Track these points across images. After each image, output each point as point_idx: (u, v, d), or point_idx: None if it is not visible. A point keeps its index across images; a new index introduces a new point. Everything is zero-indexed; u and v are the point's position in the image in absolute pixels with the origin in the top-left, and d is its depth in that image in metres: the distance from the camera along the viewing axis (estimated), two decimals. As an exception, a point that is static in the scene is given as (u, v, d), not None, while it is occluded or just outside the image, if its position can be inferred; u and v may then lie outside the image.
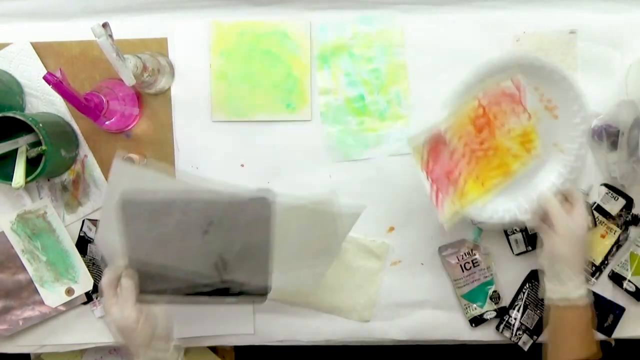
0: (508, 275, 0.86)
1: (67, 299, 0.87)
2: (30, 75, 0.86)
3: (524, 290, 0.86)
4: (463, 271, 0.85)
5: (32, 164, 0.79)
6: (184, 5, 0.85)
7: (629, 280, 0.82)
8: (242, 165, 0.87)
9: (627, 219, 0.84)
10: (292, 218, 0.68)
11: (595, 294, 0.85)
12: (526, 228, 0.83)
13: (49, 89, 0.76)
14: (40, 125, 0.77)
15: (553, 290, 0.71)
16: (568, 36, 0.83)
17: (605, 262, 0.85)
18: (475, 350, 0.91)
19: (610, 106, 0.82)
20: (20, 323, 0.88)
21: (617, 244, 0.85)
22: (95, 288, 0.87)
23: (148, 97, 0.86)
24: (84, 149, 0.87)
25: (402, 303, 0.87)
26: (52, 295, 0.87)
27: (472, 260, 0.85)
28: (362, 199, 0.85)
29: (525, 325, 0.85)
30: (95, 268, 0.88)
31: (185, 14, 0.85)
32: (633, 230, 0.85)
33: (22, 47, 0.85)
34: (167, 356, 0.68)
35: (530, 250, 0.84)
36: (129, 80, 0.71)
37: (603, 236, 0.85)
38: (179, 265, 0.66)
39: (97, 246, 0.65)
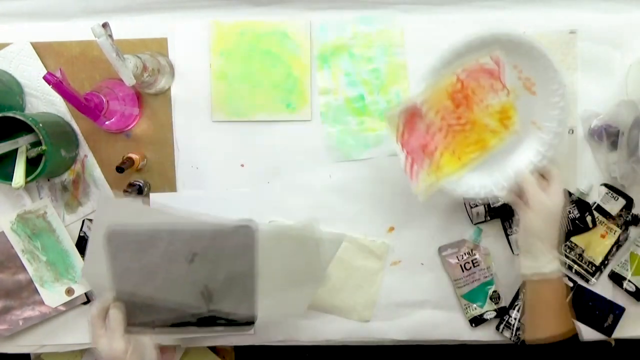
0: (508, 275, 0.86)
1: (67, 299, 0.87)
2: (30, 75, 0.86)
3: (524, 290, 0.85)
4: (463, 271, 0.85)
5: (32, 164, 0.79)
6: (184, 5, 0.85)
7: (629, 280, 0.82)
8: (242, 165, 0.87)
9: (627, 219, 0.84)
10: (275, 245, 0.70)
11: (595, 294, 0.86)
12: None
13: (49, 89, 0.76)
14: (40, 125, 0.77)
15: (527, 266, 0.72)
16: (568, 36, 0.83)
17: (605, 262, 0.85)
18: (475, 350, 0.91)
19: (610, 106, 0.82)
20: (20, 323, 0.88)
21: (617, 244, 0.85)
22: (95, 288, 0.88)
23: (148, 97, 0.86)
24: (84, 149, 0.87)
25: (402, 303, 0.87)
26: (52, 295, 0.87)
27: (472, 260, 0.85)
28: (362, 199, 0.86)
29: (525, 325, 0.85)
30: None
31: (185, 14, 0.85)
32: (633, 230, 0.85)
33: (22, 47, 0.85)
34: None
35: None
36: (129, 80, 0.71)
37: (603, 236, 0.85)
38: (166, 296, 0.67)
39: (84, 280, 0.66)
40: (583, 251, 0.85)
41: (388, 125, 0.72)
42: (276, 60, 0.85)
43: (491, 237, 0.86)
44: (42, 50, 0.86)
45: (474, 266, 0.85)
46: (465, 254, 0.85)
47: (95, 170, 0.87)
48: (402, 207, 0.86)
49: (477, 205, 0.84)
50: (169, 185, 0.87)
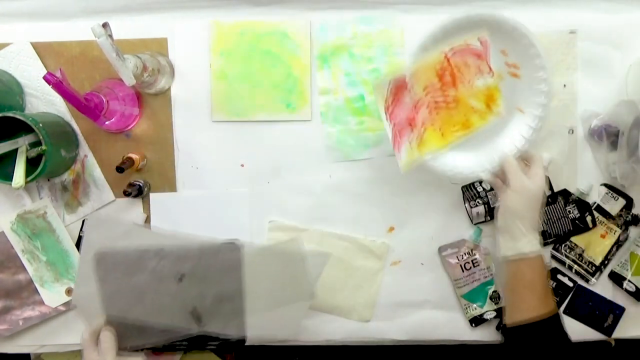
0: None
1: (67, 299, 0.87)
2: (30, 75, 0.86)
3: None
4: (463, 271, 0.85)
5: (32, 164, 0.79)
6: (184, 5, 0.85)
7: (629, 280, 0.82)
8: (242, 165, 0.87)
9: (627, 219, 0.84)
10: (261, 263, 0.71)
11: (595, 294, 0.86)
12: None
13: (49, 89, 0.76)
14: (40, 125, 0.77)
15: (507, 247, 0.72)
16: (568, 36, 0.83)
17: (605, 262, 0.85)
18: (475, 350, 0.91)
19: (610, 106, 0.82)
20: (20, 323, 0.88)
21: (617, 244, 0.85)
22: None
23: (148, 97, 0.86)
24: (84, 149, 0.87)
25: (402, 303, 0.87)
26: (52, 295, 0.87)
27: (472, 260, 0.85)
28: (362, 199, 0.86)
29: (525, 325, 0.85)
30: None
31: (185, 14, 0.85)
32: (633, 230, 0.85)
33: (22, 47, 0.85)
34: None
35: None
36: (129, 80, 0.71)
37: (603, 236, 0.85)
38: (157, 316, 0.68)
39: (75, 305, 0.66)
40: (583, 251, 0.85)
41: (375, 93, 0.73)
42: (276, 60, 0.85)
43: (491, 237, 0.86)
44: (42, 50, 0.86)
45: (474, 266, 0.85)
46: (465, 254, 0.85)
47: (95, 170, 0.87)
48: (402, 207, 0.86)
49: (477, 205, 0.84)
50: (169, 185, 0.87)
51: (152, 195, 0.87)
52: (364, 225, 0.87)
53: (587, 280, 0.85)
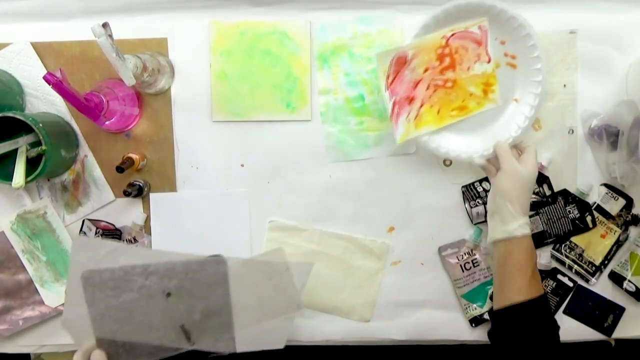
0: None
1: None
2: (30, 75, 0.86)
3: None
4: (463, 271, 0.85)
5: (32, 164, 0.79)
6: (184, 5, 0.85)
7: (629, 280, 0.82)
8: (242, 165, 0.87)
9: (627, 219, 0.84)
10: (246, 276, 0.71)
11: (595, 294, 0.86)
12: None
13: (49, 89, 0.76)
14: (40, 125, 0.77)
15: (497, 230, 0.73)
16: (568, 36, 0.83)
17: (605, 262, 0.85)
18: (475, 350, 0.91)
19: (610, 106, 0.82)
20: (20, 323, 0.88)
21: (617, 244, 0.85)
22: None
23: (148, 97, 0.86)
24: (84, 149, 0.87)
25: (402, 303, 0.87)
26: (52, 295, 0.87)
27: (472, 260, 0.85)
28: (362, 199, 0.86)
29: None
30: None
31: (185, 14, 0.85)
32: (633, 230, 0.85)
33: (22, 47, 0.85)
34: None
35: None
36: (129, 80, 0.71)
37: (603, 236, 0.85)
38: (147, 335, 0.68)
39: (64, 327, 0.67)
40: (583, 251, 0.85)
41: (377, 66, 0.77)
42: (276, 60, 0.85)
43: (491, 237, 0.86)
44: (42, 50, 0.86)
45: (474, 266, 0.85)
46: (465, 254, 0.85)
47: (95, 170, 0.87)
48: (402, 207, 0.86)
49: (477, 205, 0.84)
50: (169, 185, 0.87)
51: (152, 195, 0.87)
52: (364, 225, 0.87)
53: (587, 280, 0.85)
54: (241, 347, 0.70)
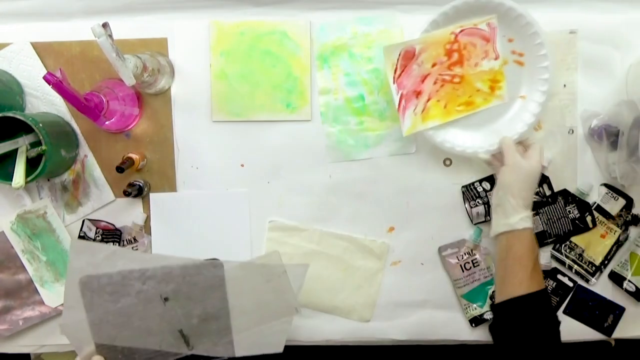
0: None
1: (67, 298, 0.87)
2: (30, 75, 0.86)
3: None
4: (463, 271, 0.85)
5: (32, 164, 0.79)
6: (184, 5, 0.85)
7: (629, 280, 0.82)
8: (242, 165, 0.87)
9: (627, 219, 0.84)
10: (243, 279, 0.71)
11: (595, 294, 0.86)
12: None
13: (49, 89, 0.76)
14: (40, 125, 0.77)
15: (499, 223, 0.74)
16: (568, 36, 0.83)
17: (605, 262, 0.85)
18: (475, 350, 0.91)
19: (610, 106, 0.82)
20: (20, 323, 0.88)
21: (617, 244, 0.85)
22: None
23: (148, 97, 0.86)
24: (84, 149, 0.87)
25: (402, 303, 0.87)
26: (52, 295, 0.87)
27: (472, 260, 0.85)
28: (362, 199, 0.86)
29: (525, 325, 0.85)
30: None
31: (185, 14, 0.85)
32: (633, 230, 0.85)
33: (22, 47, 0.85)
34: None
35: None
36: (129, 80, 0.71)
37: (603, 236, 0.85)
38: (145, 340, 0.68)
39: (63, 332, 0.67)
40: (583, 251, 0.85)
41: (385, 59, 0.78)
42: (276, 60, 0.85)
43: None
44: (42, 50, 0.86)
45: (474, 266, 0.85)
46: (465, 254, 0.85)
47: (95, 170, 0.87)
48: (402, 207, 0.86)
49: (477, 205, 0.84)
50: (169, 185, 0.87)
51: (152, 195, 0.87)
52: (364, 225, 0.87)
53: (587, 280, 0.85)
54: (240, 351, 0.70)
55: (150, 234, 0.87)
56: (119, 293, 0.66)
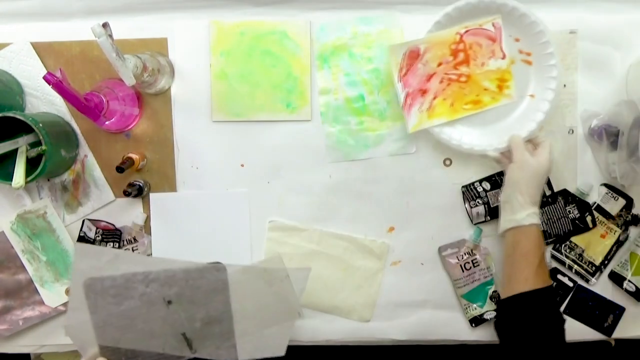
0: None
1: (67, 299, 0.87)
2: (30, 75, 0.86)
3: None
4: (463, 271, 0.85)
5: (32, 164, 0.79)
6: (184, 5, 0.85)
7: (629, 280, 0.82)
8: (242, 165, 0.87)
9: (627, 219, 0.84)
10: (246, 283, 0.71)
11: (595, 294, 0.86)
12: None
13: (49, 89, 0.76)
14: (40, 125, 0.77)
15: (506, 219, 0.75)
16: (568, 36, 0.83)
17: (605, 262, 0.85)
18: (475, 350, 0.91)
19: (610, 106, 0.82)
20: (20, 323, 0.88)
21: (617, 244, 0.85)
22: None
23: (148, 97, 0.86)
24: (84, 149, 0.87)
25: (402, 303, 0.87)
26: (52, 295, 0.87)
27: (472, 260, 0.85)
28: (362, 199, 0.86)
29: (525, 325, 0.85)
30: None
31: (185, 14, 0.85)
32: (633, 230, 0.85)
33: (22, 47, 0.85)
34: None
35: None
36: (129, 80, 0.71)
37: (603, 236, 0.85)
38: (148, 343, 0.68)
39: (67, 334, 0.67)
40: (583, 251, 0.85)
41: (390, 58, 0.79)
42: (276, 60, 0.85)
43: (491, 237, 0.86)
44: (42, 50, 0.86)
45: (474, 266, 0.85)
46: (465, 254, 0.85)
47: (95, 170, 0.87)
48: (402, 207, 0.86)
49: (477, 205, 0.84)
50: (169, 185, 0.87)
51: (152, 195, 0.87)
52: (364, 225, 0.87)
53: (587, 280, 0.85)
54: (243, 354, 0.70)
55: (150, 234, 0.87)
56: (123, 296, 0.66)
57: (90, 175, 0.87)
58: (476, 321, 0.85)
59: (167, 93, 0.86)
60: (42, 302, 0.88)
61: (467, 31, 0.79)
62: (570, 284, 0.85)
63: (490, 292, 0.85)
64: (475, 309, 0.85)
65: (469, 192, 0.85)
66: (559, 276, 0.86)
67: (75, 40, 0.85)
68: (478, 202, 0.84)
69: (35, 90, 0.86)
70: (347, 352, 0.93)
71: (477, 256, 0.85)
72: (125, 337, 0.67)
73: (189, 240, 0.87)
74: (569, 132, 0.84)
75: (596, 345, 0.89)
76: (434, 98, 0.81)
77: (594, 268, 0.85)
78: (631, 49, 0.83)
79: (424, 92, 0.80)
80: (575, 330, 0.86)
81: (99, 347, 0.67)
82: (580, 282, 0.86)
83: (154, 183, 0.87)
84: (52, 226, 0.87)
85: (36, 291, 0.88)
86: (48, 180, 0.88)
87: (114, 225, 0.88)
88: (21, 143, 0.79)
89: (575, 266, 0.85)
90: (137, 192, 0.84)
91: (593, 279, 0.85)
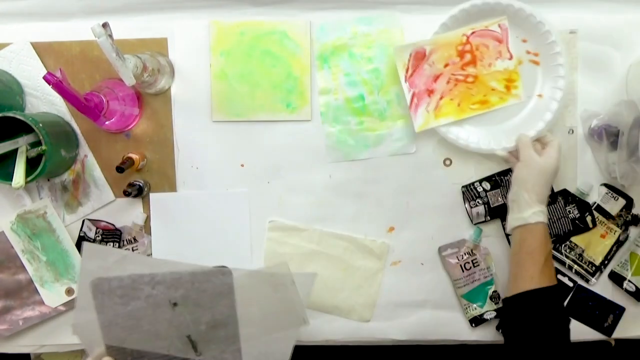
0: (508, 275, 0.86)
1: (67, 299, 0.87)
2: (30, 75, 0.86)
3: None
4: (463, 271, 0.85)
5: (32, 164, 0.79)
6: (184, 5, 0.85)
7: (629, 280, 0.82)
8: (242, 165, 0.87)
9: (627, 219, 0.84)
10: (251, 288, 0.71)
11: (595, 294, 0.86)
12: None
13: (49, 89, 0.76)
14: (40, 125, 0.77)
15: (513, 217, 0.75)
16: (568, 36, 0.83)
17: (605, 262, 0.85)
18: (475, 350, 0.91)
19: (610, 106, 0.82)
20: (20, 323, 0.88)
21: (617, 244, 0.85)
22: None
23: (148, 97, 0.86)
24: (84, 149, 0.87)
25: (402, 303, 0.87)
26: (52, 295, 0.87)
27: (472, 260, 0.85)
28: (362, 199, 0.86)
29: (525, 325, 0.85)
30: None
31: (185, 14, 0.85)
32: (633, 230, 0.85)
33: (22, 47, 0.85)
34: None
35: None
36: (129, 80, 0.71)
37: (603, 236, 0.85)
38: (154, 344, 0.68)
39: (74, 333, 0.68)
40: (583, 251, 0.85)
41: (396, 59, 0.81)
42: (276, 60, 0.85)
43: (491, 237, 0.86)
44: (42, 50, 0.86)
45: (474, 266, 0.85)
46: (465, 254, 0.85)
47: (95, 170, 0.87)
48: (402, 207, 0.86)
49: (477, 205, 0.84)
50: (169, 185, 0.87)
51: (152, 195, 0.87)
52: (364, 225, 0.87)
53: (587, 280, 0.85)
54: (247, 359, 0.70)
55: (150, 234, 0.87)
56: (129, 296, 0.66)
57: (90, 175, 0.87)
58: (476, 321, 0.85)
59: (167, 93, 0.86)
60: (42, 302, 0.88)
61: (473, 33, 0.80)
62: (570, 284, 0.86)
63: (490, 292, 0.85)
64: (475, 309, 0.85)
65: (469, 192, 0.85)
66: (559, 276, 0.86)
67: (75, 40, 0.85)
68: (478, 202, 0.84)
69: (35, 90, 0.86)
70: (347, 352, 0.93)
71: (477, 256, 0.85)
72: (131, 338, 0.67)
73: (189, 240, 0.87)
74: (569, 132, 0.84)
75: (596, 345, 0.89)
76: (441, 98, 0.81)
77: (594, 268, 0.85)
78: (631, 49, 0.83)
79: (430, 92, 0.81)
80: (575, 330, 0.85)
81: (105, 347, 0.67)
82: (580, 282, 0.86)
83: (154, 183, 0.87)
84: (52, 226, 0.87)
85: (36, 291, 0.88)
86: (48, 180, 0.88)
87: (114, 225, 0.88)
88: (21, 143, 0.79)
89: (575, 266, 0.85)
90: (137, 192, 0.84)
91: (593, 279, 0.85)
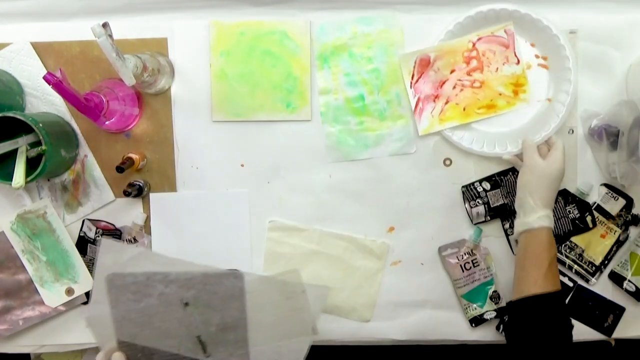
0: (508, 275, 0.86)
1: (67, 299, 0.87)
2: (30, 75, 0.86)
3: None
4: (463, 271, 0.85)
5: (32, 164, 0.79)
6: (184, 5, 0.85)
7: (629, 280, 0.82)
8: (242, 165, 0.87)
9: (627, 219, 0.84)
10: (262, 294, 0.72)
11: (595, 294, 0.86)
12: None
13: (49, 89, 0.76)
14: (40, 125, 0.77)
15: (519, 222, 0.75)
16: (568, 36, 0.83)
17: (605, 262, 0.85)
18: (475, 350, 0.91)
19: (610, 106, 0.82)
20: (20, 323, 0.88)
21: (617, 244, 0.85)
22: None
23: (148, 97, 0.86)
24: (84, 149, 0.87)
25: (402, 303, 0.87)
26: (52, 295, 0.87)
27: (472, 260, 0.85)
28: (362, 199, 0.86)
29: (525, 325, 0.85)
30: (95, 268, 0.88)
31: (185, 14, 0.85)
32: (633, 230, 0.85)
33: (22, 47, 0.85)
34: None
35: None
36: (129, 80, 0.71)
37: (603, 236, 0.85)
38: (164, 342, 0.69)
39: (88, 325, 0.69)
40: (583, 251, 0.85)
41: (402, 66, 0.82)
42: (276, 60, 0.85)
43: (491, 237, 0.86)
44: (42, 50, 0.86)
45: (474, 266, 0.85)
46: (465, 254, 0.85)
47: (95, 170, 0.87)
48: (402, 207, 0.86)
49: (477, 205, 0.84)
50: (169, 185, 0.87)
51: (152, 195, 0.87)
52: (364, 225, 0.87)
53: (587, 280, 0.85)
54: None
55: (150, 234, 0.87)
56: (142, 293, 0.67)
57: (90, 175, 0.87)
58: (476, 321, 0.85)
59: (167, 93, 0.86)
60: (42, 302, 0.88)
61: (479, 39, 0.80)
62: (570, 284, 0.86)
63: (490, 292, 0.85)
64: (475, 309, 0.85)
65: (469, 192, 0.85)
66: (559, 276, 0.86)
67: (75, 40, 0.85)
68: (478, 202, 0.84)
69: (35, 90, 0.86)
70: (347, 352, 0.93)
71: (477, 256, 0.85)
72: (142, 334, 0.68)
73: (189, 240, 0.87)
74: (569, 132, 0.84)
75: (596, 345, 0.89)
76: (446, 102, 0.82)
77: (594, 268, 0.85)
78: (631, 49, 0.83)
79: (436, 97, 0.82)
80: (576, 330, 0.85)
81: (117, 342, 0.67)
82: (580, 282, 0.86)
83: (154, 183, 0.87)
84: (52, 226, 0.87)
85: (36, 291, 0.88)
86: (48, 180, 0.88)
87: (114, 225, 0.88)
88: (21, 143, 0.79)
89: (575, 266, 0.85)
90: (137, 192, 0.84)
91: (593, 279, 0.85)
